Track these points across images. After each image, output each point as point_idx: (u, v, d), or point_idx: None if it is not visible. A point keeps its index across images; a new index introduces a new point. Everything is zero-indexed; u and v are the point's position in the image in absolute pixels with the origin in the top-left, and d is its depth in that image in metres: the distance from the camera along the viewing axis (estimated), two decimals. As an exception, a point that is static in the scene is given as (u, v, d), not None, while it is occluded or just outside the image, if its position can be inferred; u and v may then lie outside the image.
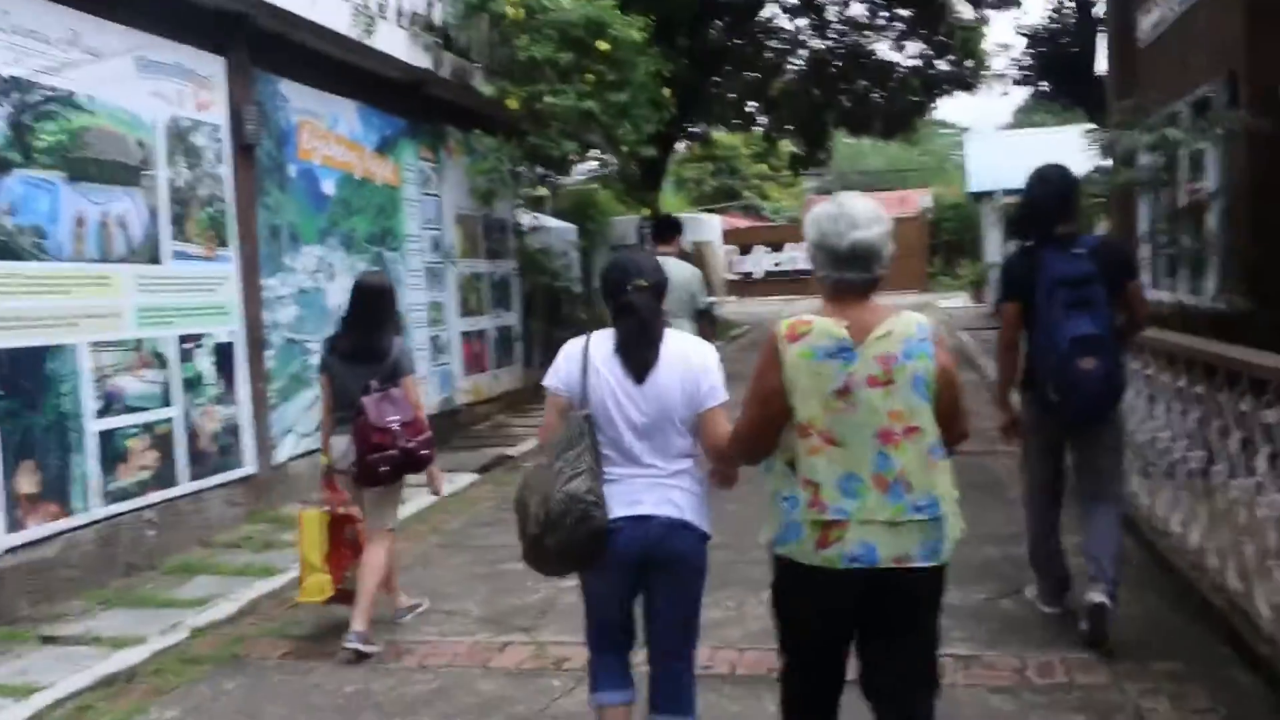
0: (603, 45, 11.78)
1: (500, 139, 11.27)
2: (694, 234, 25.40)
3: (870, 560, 2.69)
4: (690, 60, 18.96)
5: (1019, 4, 21.20)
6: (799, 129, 26.95)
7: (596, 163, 24.40)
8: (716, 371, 3.21)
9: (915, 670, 2.87)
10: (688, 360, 3.18)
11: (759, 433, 2.85)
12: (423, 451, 4.97)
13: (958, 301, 29.63)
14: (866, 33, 25.20)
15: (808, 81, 26.05)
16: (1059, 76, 16.57)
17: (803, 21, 25.59)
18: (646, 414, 3.13)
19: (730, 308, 28.22)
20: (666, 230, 7.76)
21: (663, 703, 3.26)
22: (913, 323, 2.76)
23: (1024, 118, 54.63)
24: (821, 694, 2.99)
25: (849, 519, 2.68)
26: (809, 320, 2.76)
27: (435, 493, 5.40)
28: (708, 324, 7.19)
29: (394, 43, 9.43)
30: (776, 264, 39.60)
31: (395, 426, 4.81)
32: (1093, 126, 17.59)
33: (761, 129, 28.22)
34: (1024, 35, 16.91)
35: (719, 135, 33.50)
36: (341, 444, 4.98)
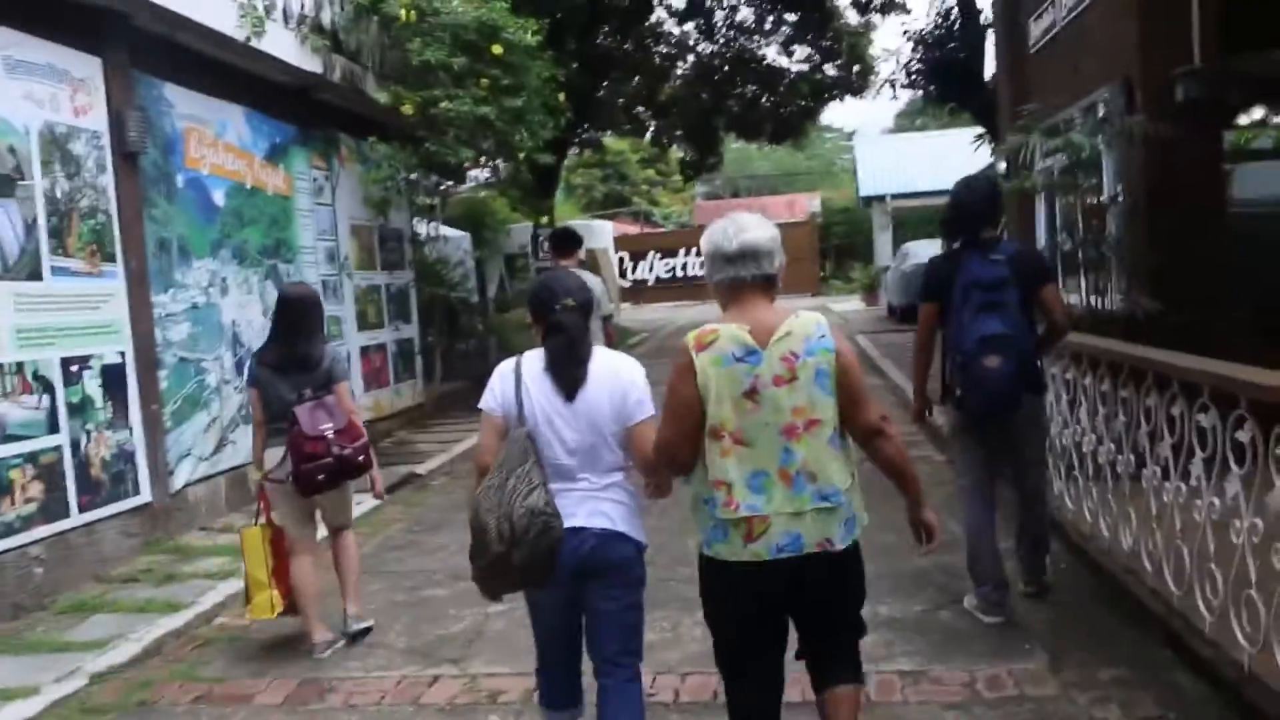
0: (496, 49, 11.53)
1: (395, 146, 10.90)
2: (587, 240, 24.98)
3: (796, 548, 2.85)
4: (581, 65, 18.78)
5: (906, 9, 21.66)
6: (689, 134, 27.03)
7: (488, 170, 24.17)
8: (644, 386, 3.26)
9: (848, 632, 3.14)
10: (616, 376, 3.25)
11: (680, 442, 2.93)
12: (359, 458, 5.00)
13: (851, 305, 30.07)
14: (754, 37, 25.42)
15: (696, 86, 26.15)
16: (946, 81, 16.80)
17: (690, 26, 25.69)
18: (578, 430, 3.19)
19: (626, 315, 28.11)
20: (568, 243, 7.78)
21: (612, 715, 3.28)
22: (811, 321, 2.90)
23: (906, 121, 56.05)
24: (765, 702, 3.11)
25: (763, 513, 2.83)
26: (714, 329, 2.88)
27: (377, 496, 5.52)
28: (609, 330, 7.41)
29: (282, 46, 9.02)
30: (669, 270, 39.70)
31: (329, 434, 4.83)
32: (981, 131, 18.06)
33: (652, 134, 28.17)
34: (911, 40, 17.03)
35: (610, 141, 33.41)
36: (276, 455, 4.96)
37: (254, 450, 5.19)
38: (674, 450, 2.96)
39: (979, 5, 16.89)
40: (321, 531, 5.35)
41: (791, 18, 24.32)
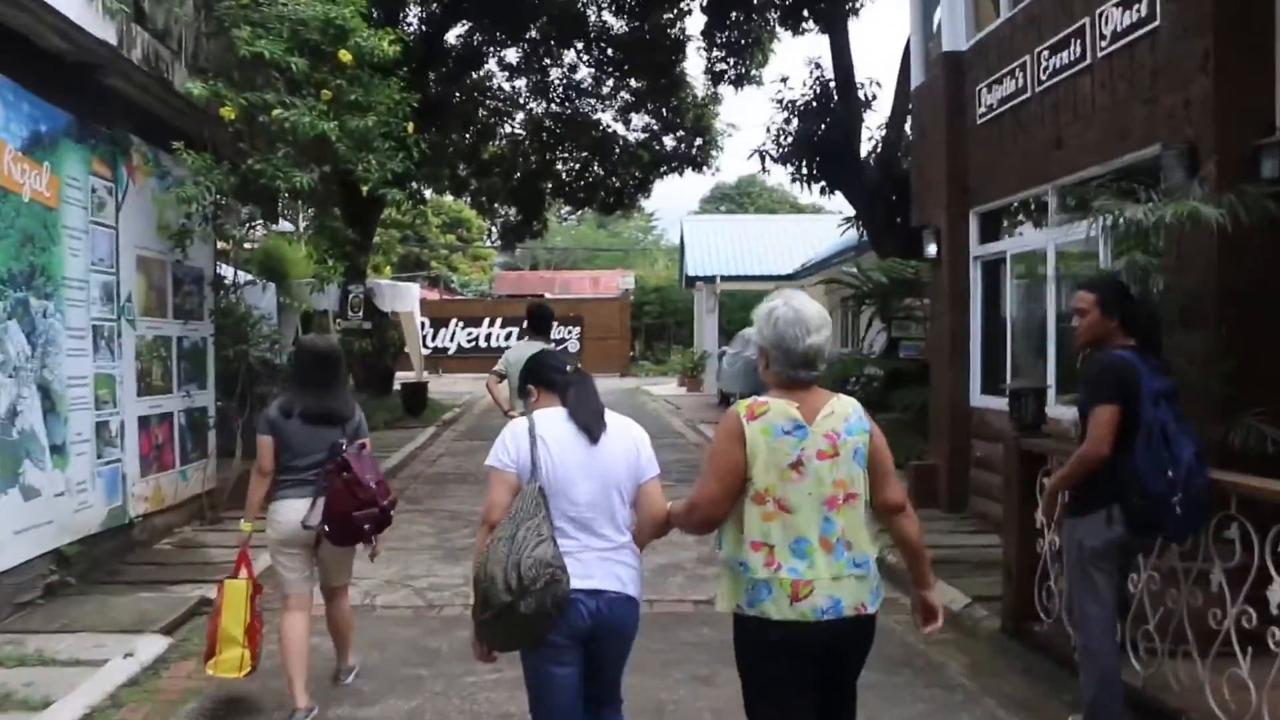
0: (345, 55, 9.25)
1: (208, 159, 8.37)
2: (391, 303, 22.76)
3: (838, 611, 3.03)
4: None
5: (759, 82, 20.59)
6: (513, 196, 25.05)
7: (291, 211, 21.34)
8: (650, 446, 3.52)
9: (853, 691, 3.26)
10: (627, 432, 3.48)
11: (721, 499, 3.11)
12: (391, 512, 5.02)
13: (668, 389, 28.56)
14: (591, 100, 23.88)
15: (524, 146, 24.32)
16: (823, 157, 15.57)
17: (521, 83, 23.90)
18: (595, 483, 3.33)
19: (432, 384, 25.52)
20: (546, 317, 8.20)
21: None
22: (849, 404, 3.19)
23: (711, 207, 56.20)
24: None
25: (805, 577, 3.01)
26: (765, 402, 3.12)
27: (373, 556, 5.16)
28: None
29: (64, -2, 6.46)
30: (471, 339, 37.52)
31: (373, 485, 4.87)
32: (851, 215, 16.98)
33: (472, 194, 25.97)
34: (785, 110, 15.75)
35: (433, 199, 31.07)
36: (298, 506, 4.89)
37: (250, 500, 5.03)
38: (713, 507, 3.11)
39: (857, 80, 15.88)
40: None
41: (635, 84, 22.93)
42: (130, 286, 8.11)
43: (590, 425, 3.38)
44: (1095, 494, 4.38)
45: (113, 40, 7.07)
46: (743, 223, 35.68)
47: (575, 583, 3.20)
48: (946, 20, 10.27)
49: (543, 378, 3.62)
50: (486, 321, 37.67)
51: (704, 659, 5.72)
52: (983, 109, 9.48)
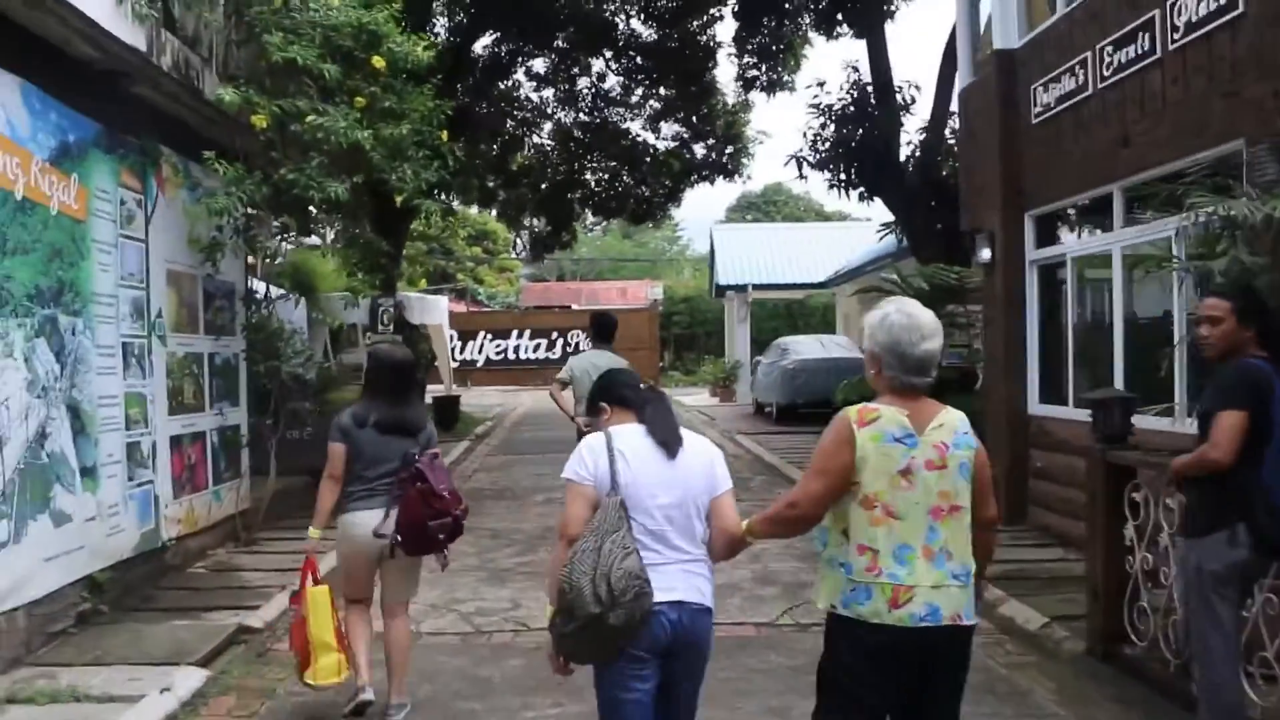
0: (378, 61, 9.01)
1: (240, 169, 8.12)
2: (421, 315, 22.57)
3: (935, 619, 3.02)
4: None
5: (791, 88, 20.22)
6: (541, 207, 24.78)
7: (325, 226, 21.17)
8: (723, 460, 3.55)
9: (957, 702, 3.19)
10: (703, 446, 3.52)
11: (825, 500, 3.13)
12: (464, 521, 5.03)
13: (701, 399, 28.19)
14: (619, 109, 23.60)
15: (552, 156, 24.05)
16: (861, 163, 15.20)
17: (549, 93, 23.66)
18: (673, 496, 3.34)
19: (462, 397, 25.26)
20: (610, 326, 8.60)
21: None
22: (957, 418, 3.18)
23: (737, 215, 55.86)
24: None
25: (905, 583, 3.01)
26: (876, 409, 3.12)
27: (444, 566, 5.20)
28: None
29: (92, 2, 6.21)
30: (499, 352, 37.33)
31: (446, 494, 4.88)
32: (889, 220, 16.60)
33: (500, 205, 25.70)
34: (821, 115, 15.40)
35: (465, 211, 30.89)
36: (368, 516, 4.89)
37: (320, 508, 5.01)
38: (814, 506, 3.14)
39: (895, 83, 15.51)
40: None
41: (664, 92, 22.62)
42: (161, 302, 7.86)
43: (668, 440, 3.41)
44: (1218, 512, 4.07)
45: (142, 47, 6.82)
46: (773, 231, 35.34)
47: (658, 595, 3.20)
48: (997, 17, 9.90)
49: (617, 395, 3.63)
50: (515, 334, 37.45)
51: (776, 688, 5.37)
52: (1038, 108, 9.10)
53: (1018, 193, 9.47)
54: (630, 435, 3.43)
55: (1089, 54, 8.20)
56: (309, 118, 8.12)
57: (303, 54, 8.18)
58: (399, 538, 4.82)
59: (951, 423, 3.14)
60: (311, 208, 9.47)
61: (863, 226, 27.37)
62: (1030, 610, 6.62)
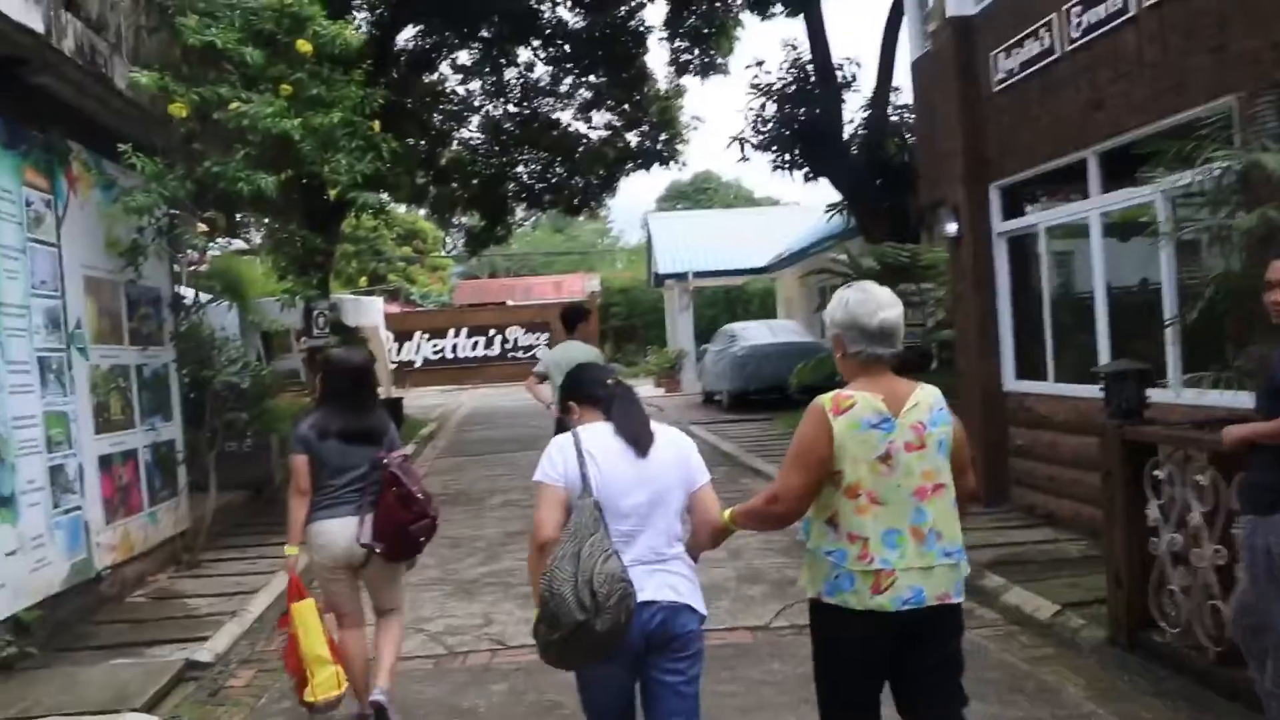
0: (304, 46, 8.40)
1: (159, 165, 7.47)
2: (355, 318, 21.86)
3: (919, 601, 3.02)
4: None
5: (725, 71, 19.85)
6: (474, 202, 24.10)
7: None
8: (697, 452, 3.43)
9: (954, 688, 3.19)
10: (675, 442, 3.40)
11: (804, 493, 3.09)
12: (437, 521, 4.92)
13: (647, 390, 27.73)
14: (549, 99, 23.02)
15: (482, 150, 23.39)
16: (807, 143, 14.88)
17: (476, 85, 22.98)
18: (645, 496, 3.24)
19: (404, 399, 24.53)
20: (577, 318, 8.91)
21: None
22: (933, 394, 3.15)
23: (667, 205, 55.51)
24: None
25: (893, 568, 3.00)
26: (851, 395, 3.08)
27: (409, 566, 5.10)
28: None
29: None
30: (437, 351, 36.60)
31: (421, 496, 4.78)
32: (837, 200, 16.30)
33: (432, 201, 24.96)
34: (763, 96, 15.02)
35: (394, 210, 30.00)
36: (338, 525, 4.73)
37: (292, 523, 4.84)
38: (796, 501, 3.10)
39: (836, 60, 15.19)
40: None
41: (594, 80, 22.08)
42: (79, 311, 7.19)
43: (638, 437, 3.31)
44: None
45: (39, 28, 6.15)
46: (710, 217, 34.98)
47: None
48: (952, -20, 9.57)
49: (584, 393, 3.53)
50: (451, 332, 36.80)
51: (785, 701, 4.92)
52: (1000, 75, 8.80)
53: (982, 163, 9.17)
54: (599, 434, 3.34)
55: (1054, 16, 7.90)
56: (233, 104, 7.49)
57: (222, 37, 7.57)
58: (380, 545, 4.70)
59: (926, 400, 3.11)
60: (239, 207, 8.75)
61: (801, 210, 27.15)
62: (1037, 597, 6.27)
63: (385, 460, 4.76)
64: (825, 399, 3.08)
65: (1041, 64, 8.11)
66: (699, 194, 57.13)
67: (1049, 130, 8.11)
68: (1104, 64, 7.33)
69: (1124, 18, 7.08)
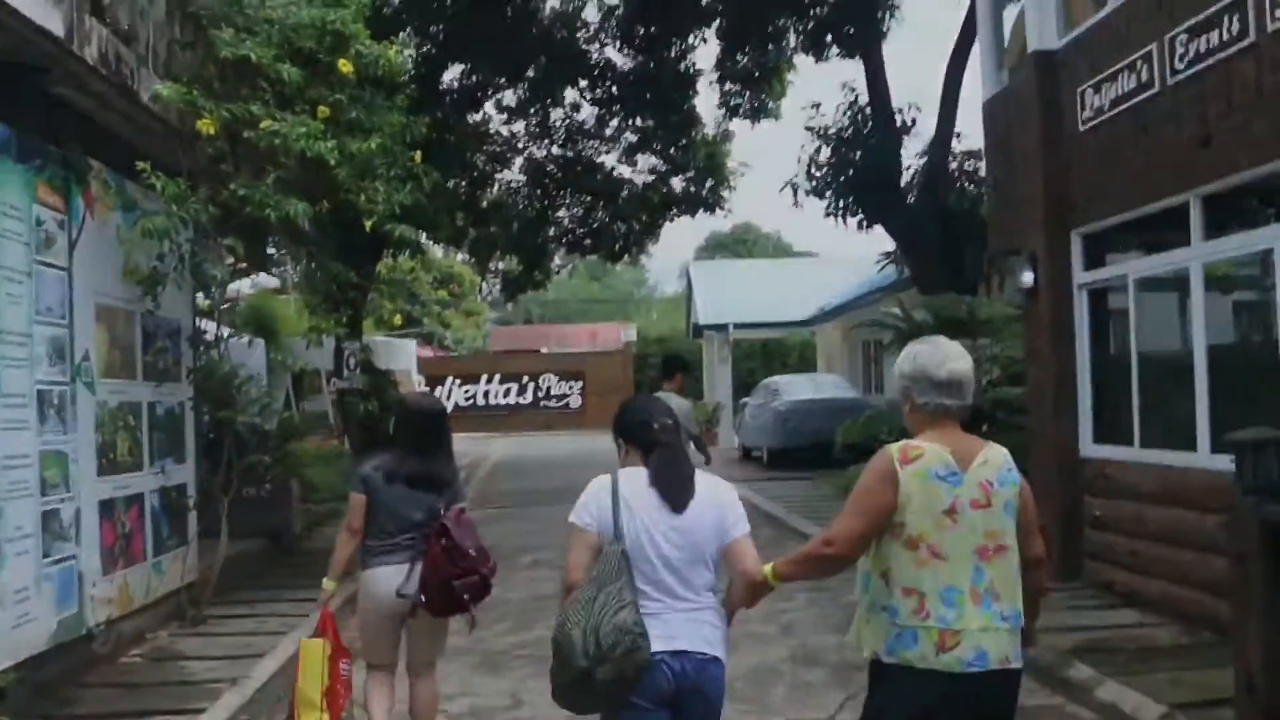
0: (344, 65, 7.93)
1: (182, 185, 6.96)
2: (387, 360, 21.44)
3: (983, 664, 2.92)
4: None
5: (776, 115, 19.36)
6: (513, 245, 23.65)
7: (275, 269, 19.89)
8: (739, 504, 3.36)
9: None
10: (717, 493, 3.33)
11: (859, 541, 3.03)
12: (491, 580, 4.75)
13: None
14: (594, 142, 22.61)
15: (524, 192, 22.99)
16: (862, 189, 14.27)
17: (520, 126, 22.64)
18: (680, 547, 3.20)
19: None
20: (675, 368, 8.72)
21: None
22: (1002, 454, 3.09)
23: (706, 255, 55.08)
24: None
25: (954, 627, 2.91)
26: (920, 446, 3.04)
27: (472, 628, 4.79)
28: (700, 450, 7.90)
29: (-5, -26, 5.06)
30: (469, 397, 36.08)
31: (473, 552, 4.64)
32: (889, 250, 15.68)
33: (470, 244, 24.53)
34: (819, 138, 14.46)
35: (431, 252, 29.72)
36: (391, 573, 4.66)
37: (336, 559, 4.82)
38: (851, 546, 3.03)
39: (895, 104, 14.62)
40: None
41: (641, 123, 21.63)
42: (88, 342, 6.63)
43: (673, 492, 3.24)
44: None
45: (60, 32, 5.65)
46: (752, 268, 34.38)
47: (658, 645, 3.09)
48: (1033, 18, 8.95)
49: (631, 434, 3.39)
50: (484, 378, 36.30)
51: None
52: (1088, 113, 8.14)
53: (1064, 208, 8.49)
54: (637, 480, 3.28)
55: (1153, 46, 7.25)
56: (265, 123, 6.98)
57: (257, 52, 7.09)
58: (423, 597, 4.57)
59: (996, 459, 3.07)
60: (267, 235, 8.22)
61: (845, 263, 26.50)
62: (1137, 694, 5.50)
63: (441, 510, 4.68)
64: (894, 448, 3.05)
65: (1138, 99, 7.45)
66: (739, 245, 56.70)
67: (1144, 172, 7.43)
68: (1215, 97, 6.65)
69: (1241, 44, 6.41)
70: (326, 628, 4.81)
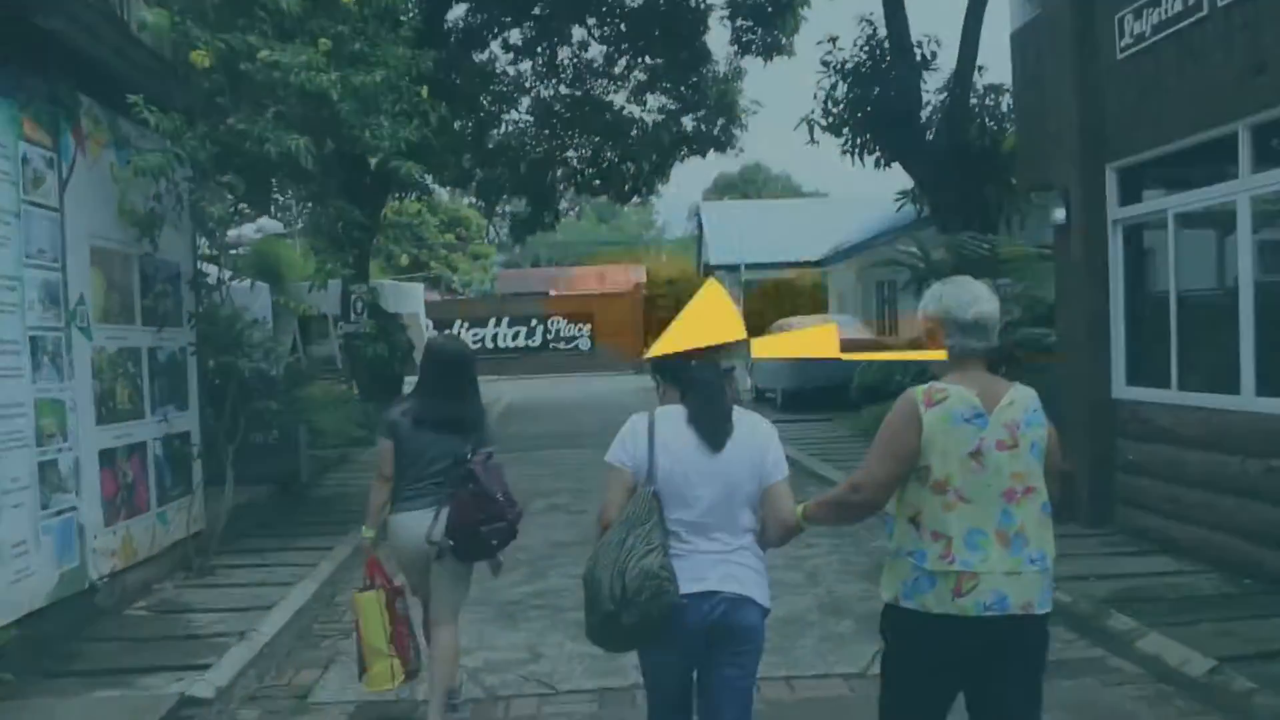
0: (347, -4, 7.54)
1: (178, 119, 6.63)
2: (395, 304, 21.14)
3: (1003, 608, 2.87)
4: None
5: (790, 52, 18.84)
6: (521, 186, 23.22)
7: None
8: (779, 446, 3.28)
9: (1035, 703, 3.00)
10: (754, 433, 3.24)
11: (887, 485, 3.00)
12: (517, 526, 4.70)
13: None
14: (602, 80, 22.09)
15: (531, 132, 22.52)
16: (881, 125, 13.82)
17: (527, 65, 22.10)
18: (715, 488, 3.14)
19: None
20: None
21: None
22: (1029, 395, 3.03)
23: (714, 196, 54.47)
24: None
25: (975, 570, 2.87)
26: (944, 388, 2.98)
27: (496, 572, 4.92)
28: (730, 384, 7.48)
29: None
30: (477, 340, 35.73)
31: (499, 497, 4.56)
32: (908, 188, 15.26)
33: (478, 185, 24.10)
34: (835, 73, 13.97)
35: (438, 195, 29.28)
36: (416, 518, 4.64)
37: (370, 506, 4.86)
38: (878, 491, 3.00)
39: (914, 39, 14.10)
40: None
41: (651, 61, 21.08)
42: (83, 286, 6.36)
43: (711, 432, 3.17)
44: None
45: (42, -43, 5.32)
46: (764, 208, 33.89)
47: (688, 586, 3.04)
48: (1066, -62, 8.51)
49: (667, 372, 3.32)
50: (492, 322, 36.04)
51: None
52: (1127, 39, 7.73)
53: (1098, 141, 8.11)
54: (675, 420, 3.20)
55: (1201, -33, 6.85)
56: (263, 53, 6.63)
57: (254, -21, 6.72)
58: (450, 542, 4.53)
59: (1023, 400, 3.01)
60: (268, 173, 7.88)
61: (857, 202, 26.02)
62: (1182, 646, 5.26)
63: (467, 454, 4.58)
64: (918, 390, 3.00)
65: (1183, 23, 7.05)
66: (747, 185, 56.03)
67: (1188, 101, 7.06)
68: (1271, 20, 6.26)
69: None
70: (374, 575, 4.82)
